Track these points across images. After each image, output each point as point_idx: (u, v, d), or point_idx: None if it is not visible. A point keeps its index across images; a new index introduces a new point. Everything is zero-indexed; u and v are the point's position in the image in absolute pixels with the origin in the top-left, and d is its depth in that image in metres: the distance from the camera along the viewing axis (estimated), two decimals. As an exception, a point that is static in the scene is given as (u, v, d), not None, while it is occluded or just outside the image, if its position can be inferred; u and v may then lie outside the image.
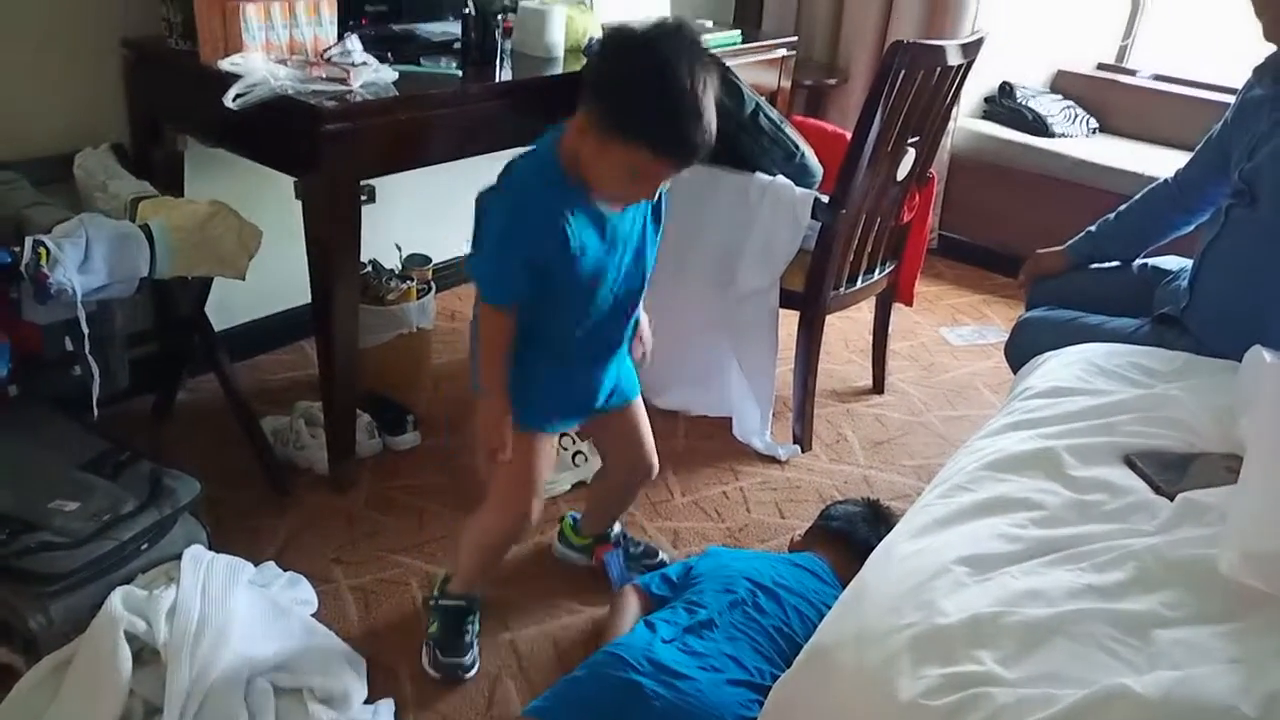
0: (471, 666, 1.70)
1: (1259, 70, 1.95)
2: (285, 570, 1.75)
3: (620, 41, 1.36)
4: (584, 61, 2.31)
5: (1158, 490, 1.37)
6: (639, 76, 1.31)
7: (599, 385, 1.63)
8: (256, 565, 1.68)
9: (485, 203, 1.48)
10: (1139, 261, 2.21)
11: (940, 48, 2.20)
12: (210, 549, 1.66)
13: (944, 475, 1.45)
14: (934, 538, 1.25)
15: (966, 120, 3.72)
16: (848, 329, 3.09)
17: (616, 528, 1.98)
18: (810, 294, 2.32)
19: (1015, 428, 1.52)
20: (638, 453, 1.77)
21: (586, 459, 2.23)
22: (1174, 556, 1.20)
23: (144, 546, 1.62)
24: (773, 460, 2.41)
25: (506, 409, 1.50)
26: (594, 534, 1.96)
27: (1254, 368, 1.29)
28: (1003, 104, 3.73)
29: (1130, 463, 1.44)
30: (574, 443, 2.26)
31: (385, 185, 2.01)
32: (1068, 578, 1.16)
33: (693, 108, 1.28)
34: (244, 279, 1.84)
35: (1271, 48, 1.88)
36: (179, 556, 1.61)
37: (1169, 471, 1.42)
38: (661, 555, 2.00)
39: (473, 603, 1.74)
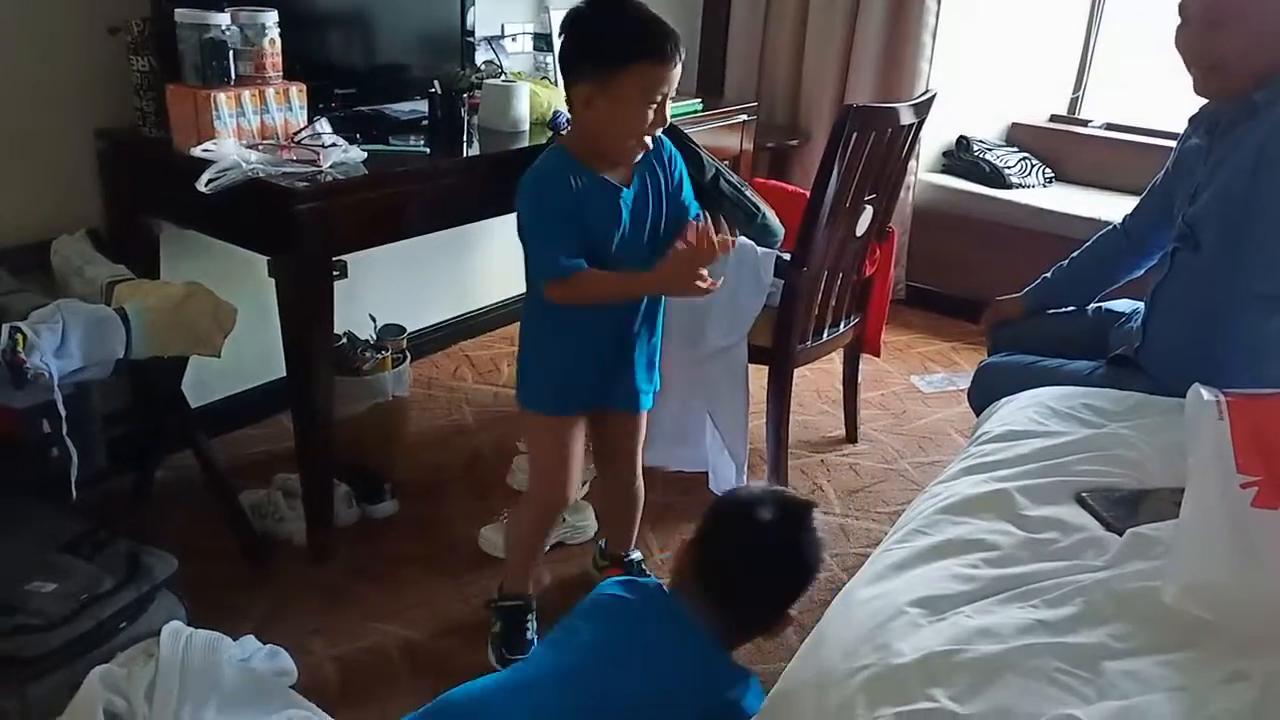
0: None
1: (1194, 120, 2.03)
2: (265, 643, 1.75)
3: (574, 17, 1.63)
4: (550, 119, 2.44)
5: (1108, 527, 1.41)
6: (604, 21, 1.60)
7: (612, 370, 1.81)
8: (236, 639, 1.69)
9: (518, 212, 1.70)
10: (1093, 305, 2.27)
11: (891, 109, 2.28)
12: (189, 624, 1.67)
13: (902, 520, 1.49)
14: (891, 582, 1.28)
15: (927, 174, 3.83)
16: (820, 380, 3.14)
17: (636, 555, 2.12)
18: (778, 349, 2.37)
19: (970, 471, 1.56)
20: (626, 462, 1.99)
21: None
22: (1122, 590, 1.23)
23: (123, 625, 1.64)
24: (749, 514, 2.44)
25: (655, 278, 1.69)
26: (612, 555, 2.13)
27: (1194, 406, 1.34)
28: (961, 157, 3.84)
29: (1082, 501, 1.48)
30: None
31: (358, 258, 2.06)
32: (1019, 614, 1.19)
33: (650, 15, 1.60)
34: (219, 356, 1.88)
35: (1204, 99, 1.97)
36: (158, 633, 1.62)
37: (1119, 508, 1.46)
38: None
39: (528, 601, 1.93)
